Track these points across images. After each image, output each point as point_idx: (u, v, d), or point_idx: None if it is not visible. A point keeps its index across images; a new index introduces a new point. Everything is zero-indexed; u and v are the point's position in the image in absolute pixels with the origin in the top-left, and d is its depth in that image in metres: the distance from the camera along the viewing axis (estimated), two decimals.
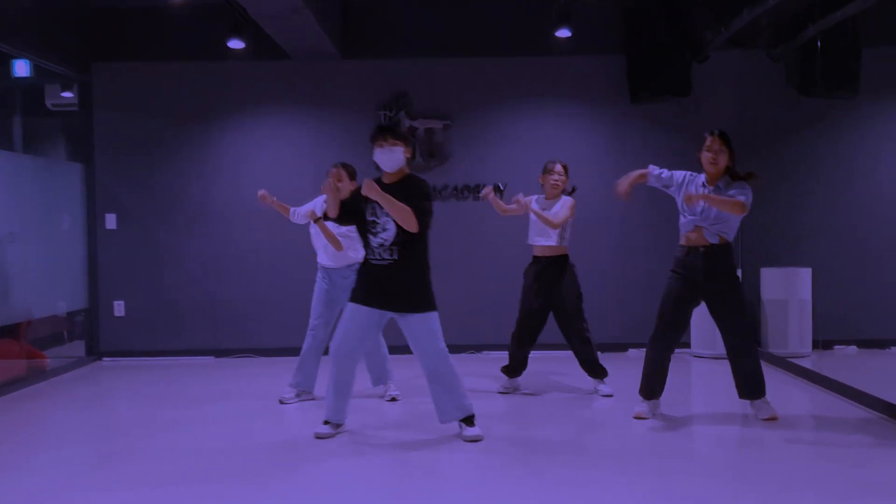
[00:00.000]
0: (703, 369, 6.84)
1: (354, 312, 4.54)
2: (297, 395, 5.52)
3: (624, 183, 4.91)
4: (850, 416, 5.01)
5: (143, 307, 7.65)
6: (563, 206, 5.58)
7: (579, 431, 4.81)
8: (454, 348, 7.54)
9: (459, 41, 7.59)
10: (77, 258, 7.53)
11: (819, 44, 6.79)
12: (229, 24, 6.85)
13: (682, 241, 4.87)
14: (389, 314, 4.56)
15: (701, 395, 6.17)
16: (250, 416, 5.18)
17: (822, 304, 7.05)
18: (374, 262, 4.50)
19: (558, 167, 5.63)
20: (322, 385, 5.08)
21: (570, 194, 5.69)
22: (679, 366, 6.95)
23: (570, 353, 5.72)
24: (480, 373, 6.35)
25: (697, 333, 7.21)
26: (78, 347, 7.74)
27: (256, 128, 7.65)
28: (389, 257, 4.46)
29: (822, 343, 7.03)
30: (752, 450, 4.39)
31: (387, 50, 7.62)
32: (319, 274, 5.52)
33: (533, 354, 5.81)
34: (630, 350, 7.42)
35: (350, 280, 4.99)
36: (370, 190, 4.33)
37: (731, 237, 4.81)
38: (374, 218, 4.50)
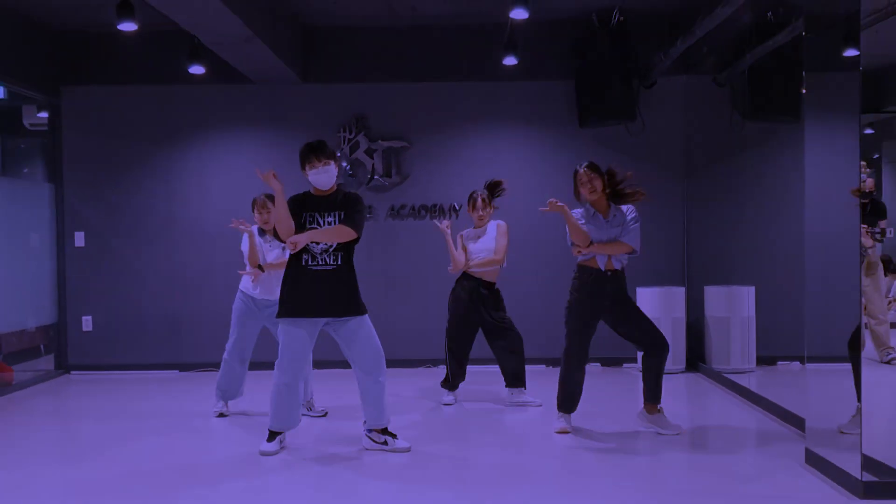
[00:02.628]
0: None
1: (292, 327, 4.67)
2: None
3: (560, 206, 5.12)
4: (754, 425, 5.28)
5: (111, 322, 7.90)
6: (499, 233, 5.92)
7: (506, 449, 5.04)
8: (411, 363, 7.92)
9: (415, 67, 7.86)
10: (46, 275, 7.79)
11: (759, 70, 6.98)
12: (188, 51, 7.11)
13: (588, 263, 5.08)
14: (323, 322, 4.70)
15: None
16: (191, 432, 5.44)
17: (765, 321, 7.21)
18: (315, 268, 4.62)
19: (479, 202, 5.98)
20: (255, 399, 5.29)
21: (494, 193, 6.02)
22: (624, 381, 7.18)
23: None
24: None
25: None
26: (50, 361, 7.98)
27: (219, 149, 7.92)
28: (334, 262, 4.63)
29: (766, 359, 7.22)
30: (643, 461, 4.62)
31: (346, 75, 7.88)
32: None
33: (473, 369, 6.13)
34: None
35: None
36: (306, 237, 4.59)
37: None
38: (314, 226, 4.66)
